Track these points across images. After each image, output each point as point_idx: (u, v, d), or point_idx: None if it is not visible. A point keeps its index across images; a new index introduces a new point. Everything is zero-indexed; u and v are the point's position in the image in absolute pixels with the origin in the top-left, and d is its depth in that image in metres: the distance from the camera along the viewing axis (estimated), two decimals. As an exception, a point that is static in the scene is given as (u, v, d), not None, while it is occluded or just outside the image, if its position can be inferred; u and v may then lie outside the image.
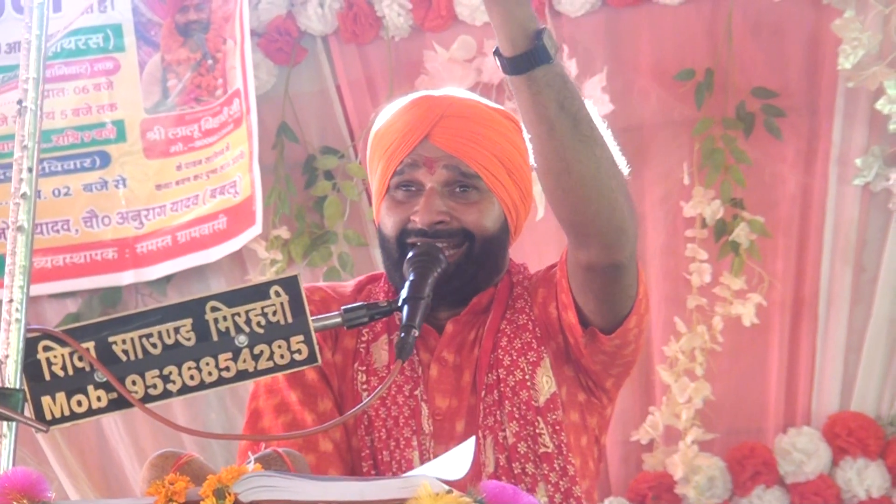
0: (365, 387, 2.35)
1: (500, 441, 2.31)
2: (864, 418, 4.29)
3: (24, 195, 1.97)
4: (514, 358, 2.34)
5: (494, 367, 2.34)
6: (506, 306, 2.39)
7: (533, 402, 2.31)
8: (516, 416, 2.31)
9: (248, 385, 2.22)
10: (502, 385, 2.32)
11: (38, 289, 4.45)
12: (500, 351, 2.34)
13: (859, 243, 4.28)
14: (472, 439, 1.85)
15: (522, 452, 2.30)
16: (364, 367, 2.36)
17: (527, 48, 2.03)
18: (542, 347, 2.35)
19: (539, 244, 4.19)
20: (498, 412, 2.32)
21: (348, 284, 2.48)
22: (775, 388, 4.33)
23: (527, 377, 2.33)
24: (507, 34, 2.03)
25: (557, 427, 2.31)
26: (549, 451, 2.31)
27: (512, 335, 2.36)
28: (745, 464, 4.31)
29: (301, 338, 1.97)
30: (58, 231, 4.54)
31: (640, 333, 2.35)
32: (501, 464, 2.30)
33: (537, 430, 2.31)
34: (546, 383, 2.33)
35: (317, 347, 1.97)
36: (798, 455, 4.29)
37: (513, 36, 2.03)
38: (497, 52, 2.08)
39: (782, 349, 4.32)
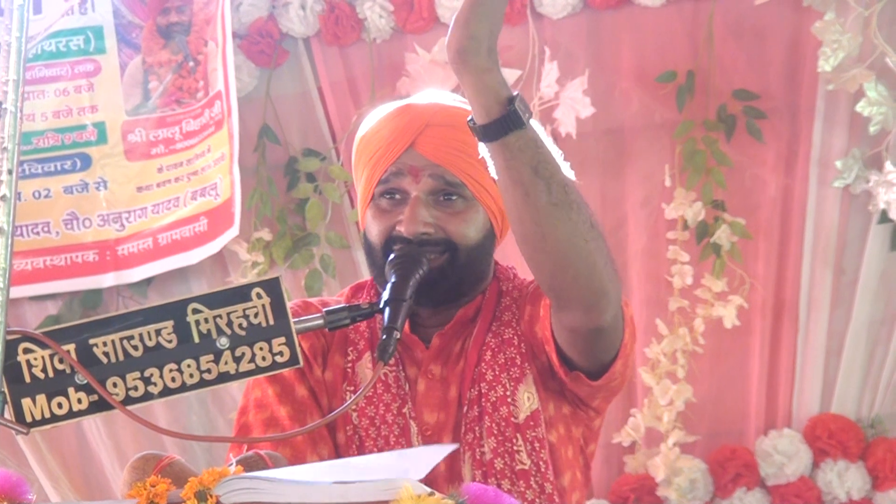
0: (354, 406, 2.35)
1: (478, 457, 2.31)
2: (844, 420, 4.30)
3: (3, 197, 1.96)
4: (497, 373, 2.34)
5: (477, 382, 2.34)
6: (493, 316, 2.39)
7: (512, 419, 2.31)
8: (495, 431, 2.31)
9: (231, 387, 2.22)
10: (483, 400, 2.33)
11: (19, 291, 4.43)
12: (483, 365, 2.35)
13: (839, 246, 4.29)
14: (451, 446, 1.85)
15: (499, 469, 2.30)
16: (352, 388, 2.36)
17: (500, 114, 2.05)
18: (526, 364, 2.35)
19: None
20: (478, 427, 2.32)
21: (338, 300, 2.47)
22: (756, 390, 4.34)
23: (508, 393, 2.33)
24: (480, 102, 2.06)
25: (537, 444, 2.31)
26: (526, 468, 2.31)
27: (496, 349, 2.36)
28: (726, 466, 4.32)
29: (283, 340, 1.96)
30: (38, 233, 4.52)
31: (627, 368, 2.35)
32: (478, 479, 2.30)
33: (515, 447, 2.31)
34: (527, 400, 2.33)
35: (298, 350, 1.97)
36: (779, 457, 4.30)
37: (486, 103, 2.06)
38: (471, 121, 2.10)
39: (763, 351, 4.32)
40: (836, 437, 4.28)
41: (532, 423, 2.31)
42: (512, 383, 2.33)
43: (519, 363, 2.35)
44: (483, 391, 2.33)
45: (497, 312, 2.40)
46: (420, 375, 2.36)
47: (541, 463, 2.30)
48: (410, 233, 2.31)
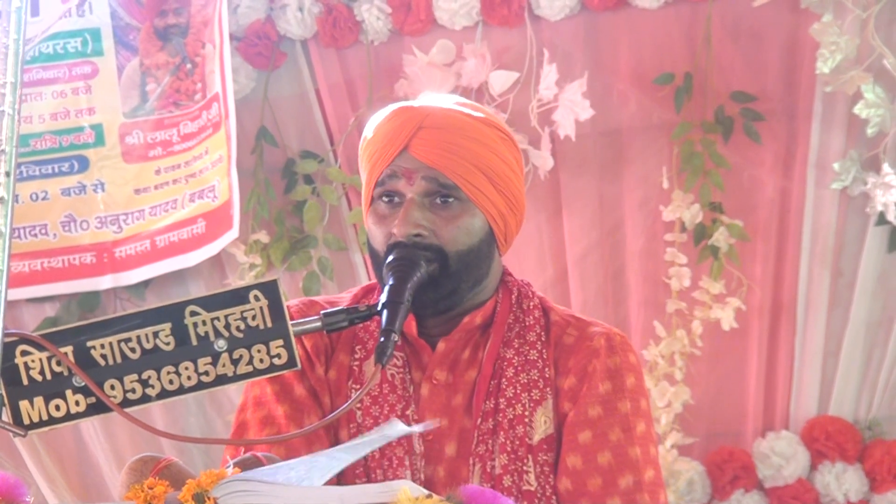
0: (358, 405, 2.35)
1: (488, 470, 2.32)
2: (842, 422, 4.30)
3: (1, 199, 1.96)
4: (518, 392, 2.34)
5: (493, 395, 2.34)
6: (508, 329, 2.40)
7: (527, 440, 2.32)
8: (508, 449, 2.32)
9: (228, 389, 2.22)
10: (500, 415, 2.33)
11: (16, 293, 4.43)
12: (503, 380, 2.35)
13: (837, 247, 4.29)
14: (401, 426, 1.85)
15: (507, 486, 2.31)
16: (357, 386, 2.37)
17: None
18: (548, 389, 2.36)
19: (518, 250, 4.19)
20: (490, 441, 2.33)
21: (344, 297, 2.48)
22: (754, 392, 4.34)
23: (526, 413, 2.33)
24: None
25: (546, 469, 2.32)
26: (532, 489, 2.32)
27: (519, 367, 2.36)
28: (724, 468, 4.32)
29: (281, 342, 1.97)
30: (36, 235, 4.52)
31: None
32: None
33: (525, 468, 2.32)
34: (543, 423, 2.34)
35: (296, 352, 1.97)
36: (777, 459, 4.30)
37: None
38: None
39: (761, 353, 4.33)
40: (834, 438, 4.28)
41: (545, 447, 2.33)
42: (532, 404, 2.34)
43: (541, 386, 2.35)
44: (501, 406, 2.33)
45: (518, 328, 2.40)
46: (424, 380, 2.37)
47: (546, 486, 2.32)
48: (402, 234, 2.31)
